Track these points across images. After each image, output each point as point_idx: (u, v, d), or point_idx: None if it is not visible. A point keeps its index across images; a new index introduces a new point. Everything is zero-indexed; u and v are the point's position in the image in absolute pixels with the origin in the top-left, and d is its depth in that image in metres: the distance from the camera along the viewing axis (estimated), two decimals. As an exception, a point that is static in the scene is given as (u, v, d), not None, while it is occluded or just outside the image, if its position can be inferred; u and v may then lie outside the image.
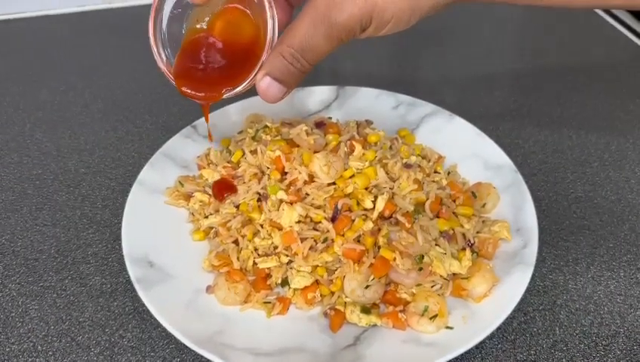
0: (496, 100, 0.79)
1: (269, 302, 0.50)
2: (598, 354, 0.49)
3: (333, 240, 0.51)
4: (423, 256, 0.50)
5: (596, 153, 0.70)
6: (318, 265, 0.51)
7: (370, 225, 0.51)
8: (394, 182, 0.55)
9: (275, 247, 0.52)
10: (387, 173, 0.56)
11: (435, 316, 0.47)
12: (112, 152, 0.69)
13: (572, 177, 0.66)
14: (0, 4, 0.95)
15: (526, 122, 0.74)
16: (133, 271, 0.49)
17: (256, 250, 0.53)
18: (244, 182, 0.56)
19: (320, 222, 0.52)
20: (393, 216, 0.52)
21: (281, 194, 0.53)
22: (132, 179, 0.58)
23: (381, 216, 0.52)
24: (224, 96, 0.46)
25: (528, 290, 0.50)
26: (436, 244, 0.52)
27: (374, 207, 0.52)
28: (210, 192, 0.57)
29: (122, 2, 0.99)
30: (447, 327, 0.47)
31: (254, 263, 0.52)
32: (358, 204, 0.53)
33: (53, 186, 0.64)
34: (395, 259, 0.49)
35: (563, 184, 0.65)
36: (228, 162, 0.59)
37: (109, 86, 0.80)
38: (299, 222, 0.52)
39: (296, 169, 0.54)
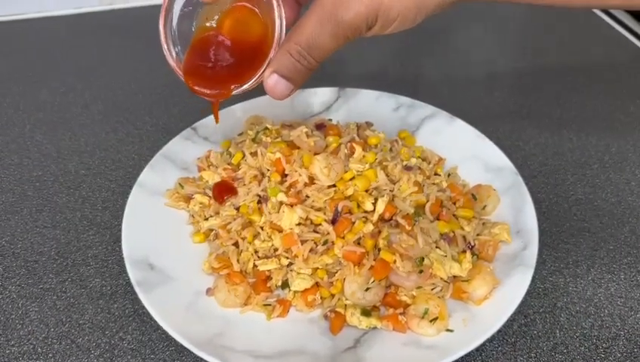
0: (496, 101, 0.79)
1: (269, 305, 0.50)
2: (599, 356, 0.49)
3: (333, 243, 0.51)
4: (423, 259, 0.50)
5: (596, 155, 0.69)
6: (318, 268, 0.51)
7: (370, 227, 0.51)
8: (394, 184, 0.55)
9: (276, 250, 0.52)
10: (387, 175, 0.55)
11: (436, 318, 0.47)
12: (113, 154, 0.69)
13: (572, 179, 0.66)
14: (0, 4, 0.95)
15: (526, 124, 0.74)
16: (133, 274, 0.49)
17: (256, 252, 0.53)
18: (245, 184, 0.56)
19: (320, 224, 0.52)
20: (393, 218, 0.52)
21: (282, 197, 0.53)
22: (132, 181, 0.58)
23: (381, 219, 0.52)
24: (233, 93, 0.46)
25: (528, 293, 0.50)
26: (436, 247, 0.52)
27: (374, 209, 0.52)
28: (211, 194, 0.57)
29: (123, 4, 0.99)
30: (448, 330, 0.47)
31: (254, 265, 0.52)
32: (358, 206, 0.52)
33: (53, 188, 0.64)
34: (395, 262, 0.49)
35: (563, 186, 0.65)
36: (228, 164, 0.59)
37: (109, 87, 0.80)
38: (299, 224, 0.52)
39: (296, 171, 0.54)
